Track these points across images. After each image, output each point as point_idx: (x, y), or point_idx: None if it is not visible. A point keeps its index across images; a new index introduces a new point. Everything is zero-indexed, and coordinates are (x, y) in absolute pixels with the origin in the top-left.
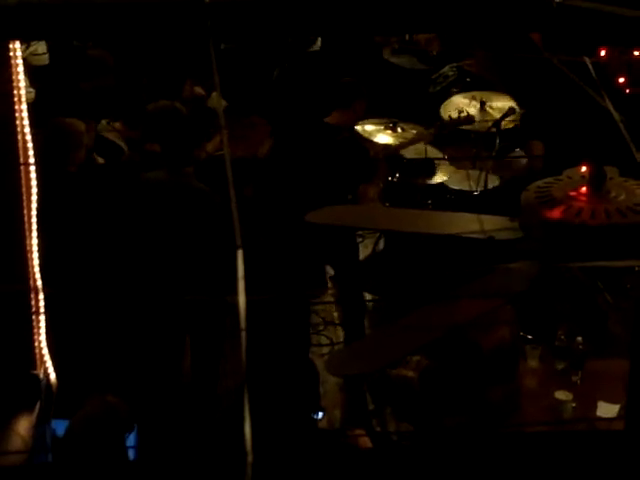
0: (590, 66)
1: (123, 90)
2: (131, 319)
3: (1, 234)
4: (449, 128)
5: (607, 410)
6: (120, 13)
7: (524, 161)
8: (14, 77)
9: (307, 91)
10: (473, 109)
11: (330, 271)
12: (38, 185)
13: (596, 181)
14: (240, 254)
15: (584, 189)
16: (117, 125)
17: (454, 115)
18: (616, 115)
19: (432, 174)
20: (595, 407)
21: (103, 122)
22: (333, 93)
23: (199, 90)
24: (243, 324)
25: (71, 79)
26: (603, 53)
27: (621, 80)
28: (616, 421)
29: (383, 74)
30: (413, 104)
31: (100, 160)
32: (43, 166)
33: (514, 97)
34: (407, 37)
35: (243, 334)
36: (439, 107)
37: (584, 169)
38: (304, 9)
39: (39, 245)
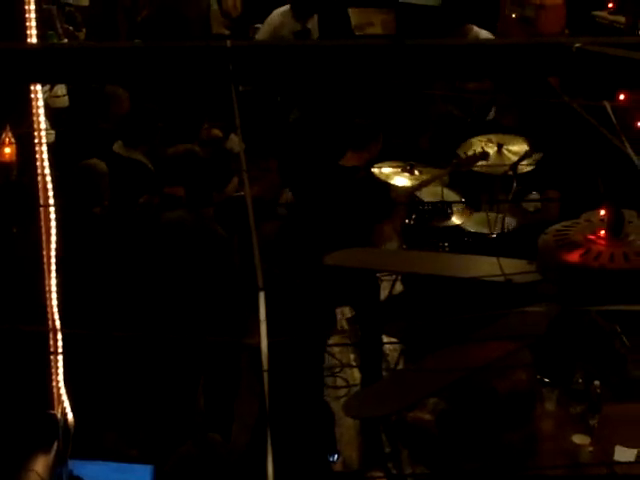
0: (610, 110)
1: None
2: (147, 359)
3: (20, 275)
4: (465, 166)
5: (624, 454)
6: (142, 57)
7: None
8: (35, 119)
9: (321, 133)
10: (490, 151)
11: (348, 313)
12: (58, 226)
13: (615, 225)
14: (262, 296)
15: (603, 232)
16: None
17: (469, 153)
18: (635, 159)
19: (449, 217)
20: (612, 451)
21: (119, 143)
22: (347, 135)
23: (216, 132)
24: (265, 366)
25: (91, 120)
26: (622, 97)
27: None
28: (634, 465)
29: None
30: (430, 148)
31: None
32: (69, 208)
33: (530, 140)
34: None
35: (265, 375)
36: (456, 150)
37: (603, 212)
38: (328, 55)
39: (58, 286)
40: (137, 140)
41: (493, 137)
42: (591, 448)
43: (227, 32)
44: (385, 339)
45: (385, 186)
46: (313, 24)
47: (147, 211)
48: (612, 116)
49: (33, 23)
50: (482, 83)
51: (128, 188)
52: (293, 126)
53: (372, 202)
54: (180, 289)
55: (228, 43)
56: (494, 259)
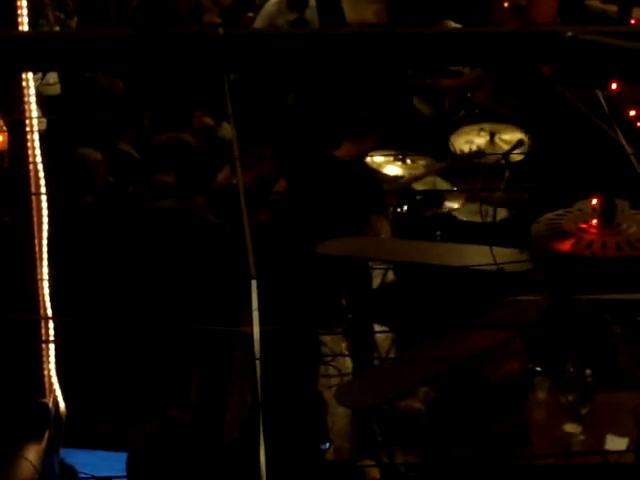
0: (602, 99)
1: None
2: (139, 349)
3: (12, 263)
4: (461, 163)
5: (616, 443)
6: (133, 45)
7: None
8: (26, 107)
9: (318, 123)
10: (482, 140)
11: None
12: (49, 215)
13: (607, 213)
14: (254, 285)
15: (595, 221)
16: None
17: (465, 149)
18: (627, 148)
19: (440, 206)
20: (604, 440)
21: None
22: (344, 126)
23: (208, 120)
24: (258, 354)
25: (83, 109)
26: (614, 86)
27: (632, 113)
28: (625, 454)
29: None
30: (422, 136)
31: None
32: (60, 196)
33: (524, 129)
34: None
35: (257, 364)
36: (448, 138)
37: (595, 201)
38: (320, 43)
39: (50, 274)
40: (121, 130)
41: (485, 125)
42: (582, 437)
43: (219, 20)
44: (377, 328)
45: (378, 182)
46: (312, 14)
47: (138, 199)
48: (604, 105)
49: (24, 11)
50: (456, 80)
51: (115, 178)
52: (288, 114)
53: (365, 194)
54: (171, 278)
55: (220, 31)
56: (486, 248)
